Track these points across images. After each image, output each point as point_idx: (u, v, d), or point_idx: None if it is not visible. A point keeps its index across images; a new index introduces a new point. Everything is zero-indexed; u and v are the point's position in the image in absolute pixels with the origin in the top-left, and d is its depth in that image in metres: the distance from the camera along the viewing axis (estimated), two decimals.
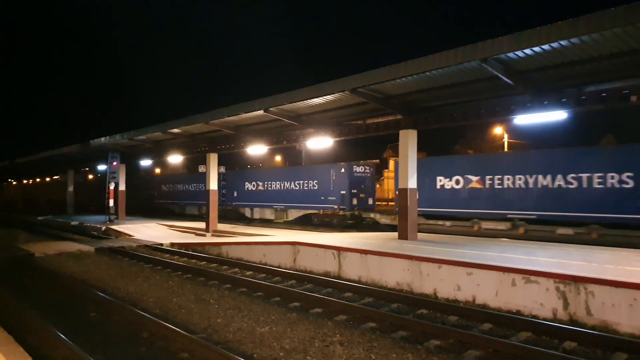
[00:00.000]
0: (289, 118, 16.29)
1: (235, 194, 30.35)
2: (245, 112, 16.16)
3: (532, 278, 8.75)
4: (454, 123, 13.56)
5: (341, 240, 14.13)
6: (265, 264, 14.28)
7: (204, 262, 14.80)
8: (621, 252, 11.41)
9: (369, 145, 46.10)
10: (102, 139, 25.14)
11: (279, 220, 27.28)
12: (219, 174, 27.72)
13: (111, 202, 27.57)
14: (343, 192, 23.26)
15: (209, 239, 19.56)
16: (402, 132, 14.40)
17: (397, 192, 17.34)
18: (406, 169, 14.39)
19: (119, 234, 22.77)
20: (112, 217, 27.66)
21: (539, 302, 8.62)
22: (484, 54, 9.49)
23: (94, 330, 7.77)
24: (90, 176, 50.83)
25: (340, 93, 13.07)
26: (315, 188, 24.75)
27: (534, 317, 8.44)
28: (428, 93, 12.78)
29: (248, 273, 12.96)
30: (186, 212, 35.01)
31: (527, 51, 9.14)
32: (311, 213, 25.28)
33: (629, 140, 18.51)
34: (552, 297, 8.47)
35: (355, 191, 23.39)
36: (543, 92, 11.27)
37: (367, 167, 24.50)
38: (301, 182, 25.73)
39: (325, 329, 7.67)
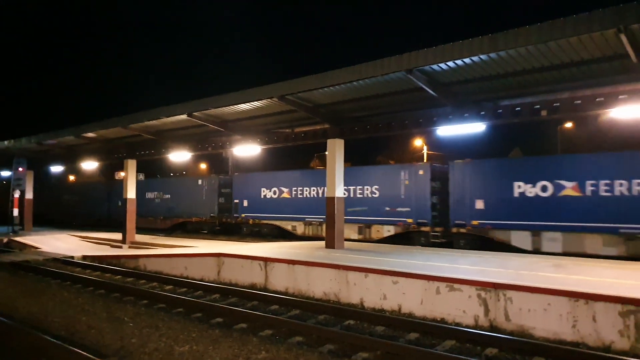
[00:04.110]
0: (215, 124, 15.70)
1: (245, 204, 24.92)
2: (168, 116, 15.35)
3: (456, 286, 8.95)
4: (379, 133, 13.78)
5: (268, 251, 13.75)
6: (187, 278, 13.52)
7: (119, 277, 13.72)
8: (531, 258, 12.14)
9: (298, 154, 46.16)
10: (6, 142, 22.82)
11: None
12: (220, 178, 26.72)
13: (15, 212, 25.06)
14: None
15: (125, 251, 18.27)
16: (329, 141, 14.38)
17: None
18: (333, 177, 14.36)
19: (24, 246, 20.66)
20: (17, 228, 25.12)
21: (461, 309, 8.81)
22: (409, 65, 9.67)
23: None
24: None
25: (268, 100, 12.79)
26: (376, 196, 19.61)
27: (458, 324, 8.61)
28: (355, 103, 12.87)
29: (167, 287, 12.17)
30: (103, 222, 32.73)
31: (450, 64, 9.44)
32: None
33: (534, 153, 20.38)
34: (474, 304, 8.70)
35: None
36: (464, 105, 11.73)
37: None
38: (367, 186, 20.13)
39: (250, 345, 7.26)
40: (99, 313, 9.25)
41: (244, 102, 13.32)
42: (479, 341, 7.50)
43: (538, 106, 10.78)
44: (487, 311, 8.53)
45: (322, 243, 15.35)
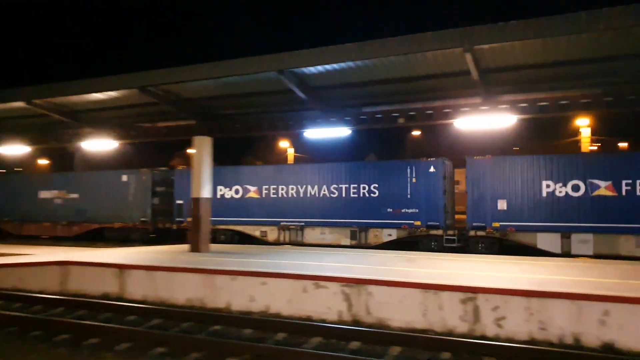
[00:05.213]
0: (61, 114, 13.90)
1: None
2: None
3: (322, 283, 9.19)
4: (249, 132, 13.63)
5: (125, 257, 12.60)
6: (23, 291, 11.69)
7: None
8: (388, 255, 13.10)
9: (160, 151, 43.43)
10: None
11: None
12: (155, 174, 21.35)
13: None
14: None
15: None
16: (196, 139, 13.75)
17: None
18: (199, 177, 13.76)
19: None
20: None
21: (327, 306, 9.08)
22: (282, 65, 9.71)
23: None
24: None
25: (126, 90, 11.72)
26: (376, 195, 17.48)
27: (323, 321, 8.84)
28: (226, 100, 12.52)
29: None
30: None
31: (320, 68, 9.71)
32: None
33: (386, 157, 21.50)
34: (338, 300, 9.03)
35: None
36: (331, 110, 12.19)
37: None
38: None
39: None
40: None
41: (96, 91, 12.01)
42: (344, 336, 7.78)
43: (397, 114, 11.69)
44: (350, 306, 8.93)
45: (186, 247, 14.60)
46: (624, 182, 13.96)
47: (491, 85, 10.30)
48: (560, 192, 14.58)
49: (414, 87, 10.80)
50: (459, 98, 11.13)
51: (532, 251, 14.54)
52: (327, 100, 11.92)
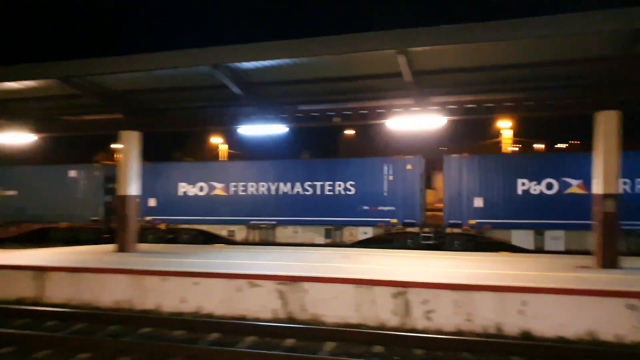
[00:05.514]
0: None
1: (152, 203, 18.99)
2: None
3: (256, 282, 9.11)
4: (181, 128, 13.21)
5: (44, 258, 11.75)
6: None
7: None
8: (324, 251, 13.24)
9: (85, 146, 40.74)
10: None
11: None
12: (107, 169, 18.88)
13: None
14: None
15: None
16: (123, 133, 13.08)
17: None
18: (127, 173, 13.12)
19: None
20: None
21: (261, 304, 9.01)
22: (217, 59, 9.48)
23: None
24: None
25: (46, 80, 10.90)
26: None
27: (257, 319, 8.77)
28: (157, 94, 12.00)
29: None
30: None
31: (257, 63, 9.58)
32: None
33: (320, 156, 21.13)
34: (273, 298, 8.99)
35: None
36: (268, 106, 12.06)
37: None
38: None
39: None
40: None
41: (10, 80, 11.05)
42: (279, 334, 7.77)
43: (333, 113, 11.80)
44: (285, 304, 8.92)
45: (111, 247, 13.86)
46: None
47: (423, 87, 10.69)
48: (535, 190, 14.92)
49: (350, 86, 10.94)
50: (393, 99, 11.42)
51: (507, 248, 15.03)
52: (263, 96, 11.79)
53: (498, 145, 34.42)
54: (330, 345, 7.30)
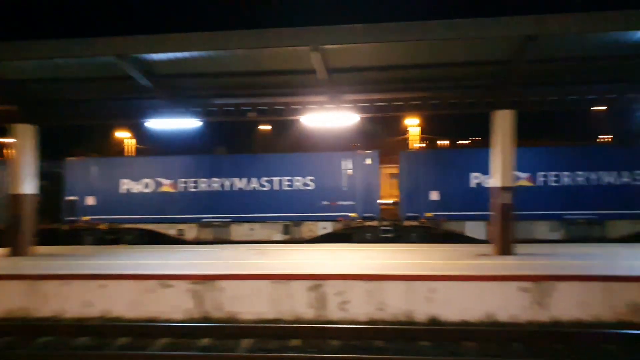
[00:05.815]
0: None
1: (90, 202, 17.10)
2: None
3: (169, 282, 8.77)
4: (82, 121, 12.35)
5: None
6: None
7: None
8: (240, 248, 13.12)
9: None
10: None
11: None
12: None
13: None
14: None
15: None
16: (17, 127, 11.89)
17: None
18: (20, 170, 11.95)
19: None
20: None
21: (174, 305, 8.69)
22: (123, 50, 8.94)
23: None
24: None
25: None
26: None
27: (170, 321, 8.45)
28: (57, 84, 11.03)
29: None
30: None
31: (166, 55, 9.19)
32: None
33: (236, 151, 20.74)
34: (186, 298, 8.71)
35: None
36: (180, 100, 11.61)
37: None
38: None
39: None
40: None
41: None
42: (193, 334, 7.56)
43: (248, 108, 11.66)
44: (199, 303, 8.68)
45: (3, 251, 12.57)
46: (539, 173, 15.56)
47: (337, 84, 10.92)
48: (487, 183, 15.14)
49: (265, 81, 10.87)
50: (308, 95, 11.53)
51: (460, 238, 15.65)
52: (175, 89, 11.32)
53: (406, 142, 36.15)
54: (246, 342, 7.24)
